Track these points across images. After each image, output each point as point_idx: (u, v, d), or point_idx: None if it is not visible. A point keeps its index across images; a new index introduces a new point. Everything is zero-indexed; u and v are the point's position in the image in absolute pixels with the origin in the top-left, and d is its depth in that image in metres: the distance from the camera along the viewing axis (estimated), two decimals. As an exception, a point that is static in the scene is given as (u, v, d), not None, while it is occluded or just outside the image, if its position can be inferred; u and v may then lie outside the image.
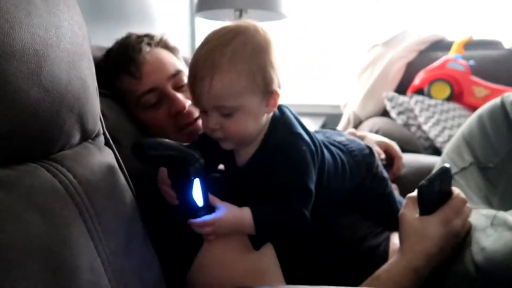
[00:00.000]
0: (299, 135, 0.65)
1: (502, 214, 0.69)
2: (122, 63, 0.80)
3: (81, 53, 0.49)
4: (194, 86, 0.61)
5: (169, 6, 1.79)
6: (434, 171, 0.72)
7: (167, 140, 0.60)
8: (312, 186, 0.64)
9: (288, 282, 0.69)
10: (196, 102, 0.63)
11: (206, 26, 1.90)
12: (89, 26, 0.54)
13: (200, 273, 0.65)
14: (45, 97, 0.42)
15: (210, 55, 0.59)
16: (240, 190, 0.68)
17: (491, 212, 0.72)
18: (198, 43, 0.62)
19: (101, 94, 0.77)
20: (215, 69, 0.58)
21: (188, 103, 0.80)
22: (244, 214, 0.62)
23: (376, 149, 0.92)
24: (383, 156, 0.94)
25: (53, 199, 0.42)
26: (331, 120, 2.26)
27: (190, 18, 1.96)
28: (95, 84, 0.55)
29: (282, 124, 0.66)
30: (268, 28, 0.64)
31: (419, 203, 0.71)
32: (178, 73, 0.82)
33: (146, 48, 0.82)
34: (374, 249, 0.78)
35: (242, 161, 0.67)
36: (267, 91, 0.62)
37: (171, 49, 0.88)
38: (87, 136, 0.54)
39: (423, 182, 0.69)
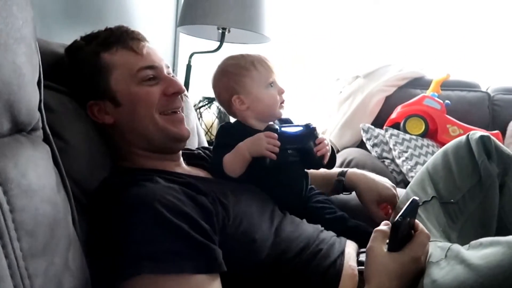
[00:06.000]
0: None
1: (456, 246, 0.67)
2: (123, 39, 0.81)
3: (17, 37, 0.46)
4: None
5: (153, 17, 1.79)
6: (405, 206, 0.69)
7: None
8: None
9: None
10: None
11: (190, 41, 1.89)
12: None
13: None
14: (-35, 77, 0.39)
15: None
16: None
17: (447, 244, 0.70)
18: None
19: (57, 90, 0.75)
20: None
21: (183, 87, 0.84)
22: None
23: None
24: None
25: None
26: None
27: (173, 31, 1.96)
28: (36, 75, 0.52)
29: None
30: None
31: (391, 239, 0.68)
32: (168, 66, 0.86)
33: (145, 39, 0.85)
34: (329, 267, 0.74)
35: None
36: None
37: None
38: (20, 128, 0.50)
39: (398, 218, 0.66)
